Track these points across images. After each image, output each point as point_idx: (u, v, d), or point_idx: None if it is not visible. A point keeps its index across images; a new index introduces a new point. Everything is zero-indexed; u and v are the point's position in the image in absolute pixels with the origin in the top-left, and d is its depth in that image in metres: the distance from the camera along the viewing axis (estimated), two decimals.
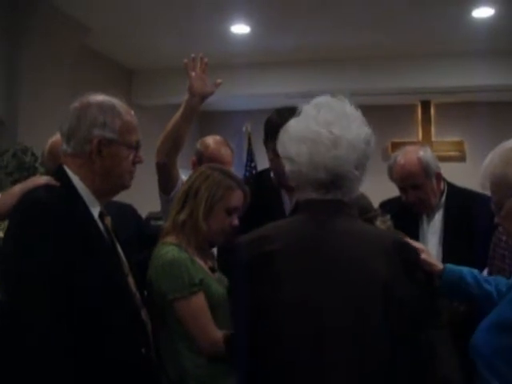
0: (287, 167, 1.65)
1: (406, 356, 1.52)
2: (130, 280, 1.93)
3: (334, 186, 1.60)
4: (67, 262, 1.69)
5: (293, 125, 1.66)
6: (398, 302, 1.51)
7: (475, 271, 2.22)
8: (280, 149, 1.67)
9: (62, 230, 1.71)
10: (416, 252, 1.67)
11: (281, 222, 1.69)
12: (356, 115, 1.65)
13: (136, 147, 1.96)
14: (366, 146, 1.62)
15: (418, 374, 1.55)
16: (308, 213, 1.63)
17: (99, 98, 1.93)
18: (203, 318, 2.09)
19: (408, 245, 1.64)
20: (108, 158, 1.89)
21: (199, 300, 2.11)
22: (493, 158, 1.79)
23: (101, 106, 1.90)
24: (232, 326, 1.77)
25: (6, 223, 1.85)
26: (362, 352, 1.49)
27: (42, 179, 1.89)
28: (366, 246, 1.56)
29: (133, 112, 1.99)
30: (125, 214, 2.56)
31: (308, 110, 1.66)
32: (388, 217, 2.42)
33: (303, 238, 1.59)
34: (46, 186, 1.83)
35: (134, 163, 1.97)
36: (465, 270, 2.21)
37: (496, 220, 1.83)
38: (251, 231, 1.68)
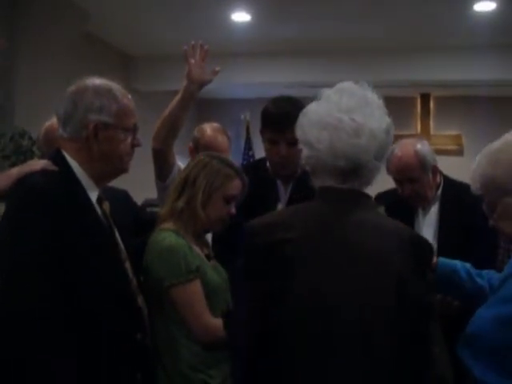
0: (305, 152, 1.62)
1: (411, 352, 1.52)
2: (128, 266, 1.94)
3: (353, 174, 1.58)
4: (63, 248, 1.69)
5: (313, 109, 1.63)
6: (409, 298, 1.50)
7: (468, 265, 2.22)
8: (299, 133, 1.64)
9: (58, 216, 1.70)
10: (430, 248, 1.65)
11: (297, 208, 1.65)
12: (378, 103, 1.63)
13: (133, 130, 1.95)
14: (387, 135, 1.59)
15: (421, 371, 1.56)
16: (325, 201, 1.60)
17: (96, 81, 1.92)
18: (199, 306, 2.10)
19: (424, 240, 1.62)
20: (105, 142, 1.88)
21: (195, 287, 2.11)
22: (480, 160, 1.79)
23: (97, 90, 1.89)
24: (235, 310, 1.76)
25: (1, 208, 1.84)
26: (369, 346, 1.48)
27: (39, 163, 1.88)
28: (382, 238, 1.54)
29: (130, 96, 1.98)
30: (119, 200, 2.55)
31: (330, 94, 1.63)
32: (382, 208, 2.42)
33: (319, 228, 1.57)
34: (44, 171, 1.82)
35: (132, 146, 1.96)
36: (458, 263, 2.21)
37: (490, 222, 1.83)
38: (263, 216, 1.65)
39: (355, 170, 1.57)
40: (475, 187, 1.80)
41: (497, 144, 1.79)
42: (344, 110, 1.57)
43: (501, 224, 1.78)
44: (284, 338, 1.52)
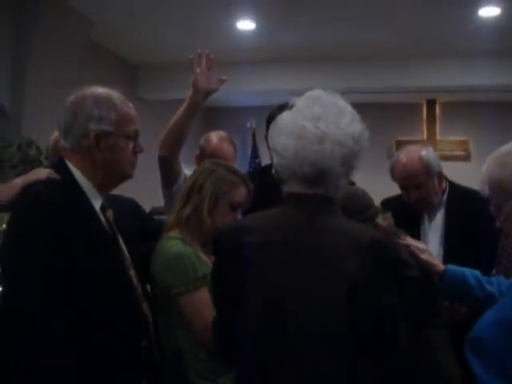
0: (275, 160, 1.67)
1: (378, 353, 1.54)
2: (132, 273, 1.94)
3: (318, 180, 1.61)
4: (67, 256, 1.69)
5: (282, 118, 1.67)
6: (365, 301, 1.52)
7: (477, 272, 2.22)
8: (269, 142, 1.69)
9: (62, 224, 1.71)
10: (395, 252, 1.66)
11: (264, 213, 1.72)
12: (347, 111, 1.65)
13: (135, 137, 1.96)
14: (355, 142, 1.62)
15: (399, 376, 1.57)
16: (290, 206, 1.65)
17: (95, 90, 1.93)
18: (206, 313, 2.07)
19: (386, 243, 1.63)
20: (107, 151, 1.89)
21: (203, 294, 2.11)
22: (489, 163, 1.80)
23: (96, 99, 1.89)
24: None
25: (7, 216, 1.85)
26: (322, 348, 1.52)
27: (43, 172, 1.89)
28: (340, 242, 1.57)
29: (131, 103, 1.98)
30: (127, 208, 2.56)
31: (299, 103, 1.67)
32: (389, 214, 2.42)
33: (282, 232, 1.61)
34: (47, 180, 1.83)
35: (134, 153, 1.97)
36: (467, 271, 2.20)
37: (497, 224, 1.84)
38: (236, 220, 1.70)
39: (320, 177, 1.60)
40: (484, 189, 1.82)
41: (506, 147, 1.81)
42: (310, 118, 1.61)
43: (507, 226, 1.79)
44: (246, 340, 1.58)
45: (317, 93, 1.69)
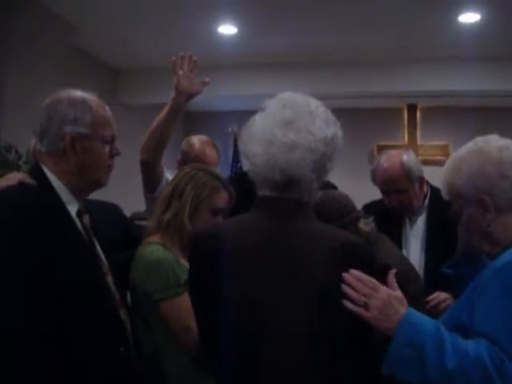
0: (246, 165, 1.67)
1: (350, 357, 1.55)
2: (109, 279, 1.91)
3: (288, 187, 1.60)
4: (40, 263, 1.65)
5: (254, 123, 1.66)
6: (338, 303, 1.52)
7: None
8: (241, 147, 1.69)
9: (34, 231, 1.67)
10: (370, 255, 1.65)
11: (238, 218, 1.72)
12: (319, 113, 1.63)
13: (111, 140, 1.94)
14: (327, 146, 1.60)
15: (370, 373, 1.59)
16: (263, 210, 1.65)
17: (69, 93, 1.91)
18: (187, 319, 2.07)
19: (360, 247, 1.62)
20: (83, 153, 1.86)
21: (184, 300, 2.08)
22: (447, 165, 1.80)
23: (71, 102, 1.88)
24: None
25: None
26: (299, 352, 1.52)
27: (15, 177, 1.86)
28: (312, 246, 1.57)
29: (107, 107, 1.96)
30: (107, 214, 2.54)
31: (271, 106, 1.66)
32: (371, 219, 2.42)
33: (254, 237, 1.62)
34: (20, 185, 1.80)
35: (111, 156, 1.95)
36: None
37: (458, 229, 1.84)
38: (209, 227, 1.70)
39: (291, 183, 1.60)
40: (444, 193, 1.82)
41: (461, 152, 1.80)
42: (281, 123, 1.60)
43: (466, 232, 1.79)
44: (224, 344, 1.59)
45: (288, 95, 1.67)
